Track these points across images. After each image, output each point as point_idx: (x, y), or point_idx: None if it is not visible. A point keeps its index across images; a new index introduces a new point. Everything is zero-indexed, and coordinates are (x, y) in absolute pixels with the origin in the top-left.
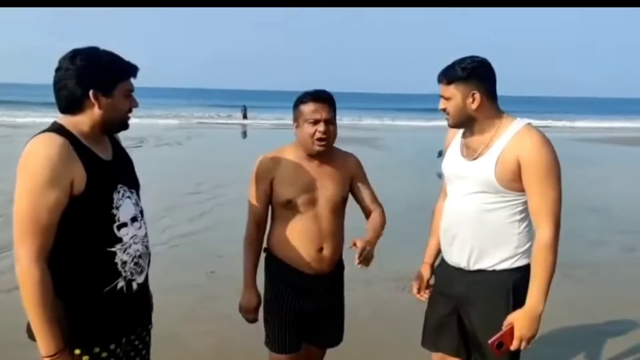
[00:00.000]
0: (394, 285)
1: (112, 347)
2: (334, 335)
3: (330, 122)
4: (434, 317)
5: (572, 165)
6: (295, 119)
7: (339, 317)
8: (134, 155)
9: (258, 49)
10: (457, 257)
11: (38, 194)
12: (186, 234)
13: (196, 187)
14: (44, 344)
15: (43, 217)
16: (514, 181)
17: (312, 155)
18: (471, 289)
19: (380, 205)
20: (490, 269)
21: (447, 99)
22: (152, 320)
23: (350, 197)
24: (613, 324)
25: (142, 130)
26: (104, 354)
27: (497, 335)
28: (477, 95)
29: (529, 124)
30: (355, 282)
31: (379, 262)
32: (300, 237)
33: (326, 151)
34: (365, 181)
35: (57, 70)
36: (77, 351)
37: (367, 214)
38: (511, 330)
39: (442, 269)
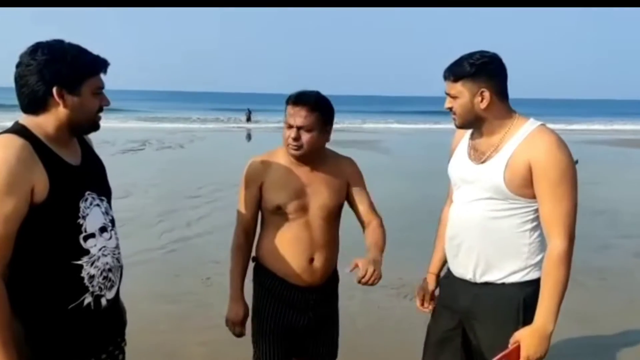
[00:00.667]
0: (394, 292)
1: None
2: (327, 351)
3: (307, 130)
4: (436, 331)
5: (577, 168)
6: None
7: (332, 332)
8: (135, 157)
9: (259, 50)
10: (463, 268)
11: None
12: (183, 238)
13: (196, 191)
14: None
15: (0, 228)
16: (525, 187)
17: (303, 160)
18: (477, 303)
19: (378, 216)
20: (499, 282)
21: (453, 97)
22: (125, 336)
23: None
24: (623, 333)
25: (145, 133)
26: None
27: (502, 353)
28: (487, 94)
29: (543, 125)
30: (354, 289)
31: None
32: (290, 247)
33: (308, 156)
34: (362, 188)
35: (18, 65)
36: None
37: (363, 224)
38: (518, 349)
39: (447, 281)
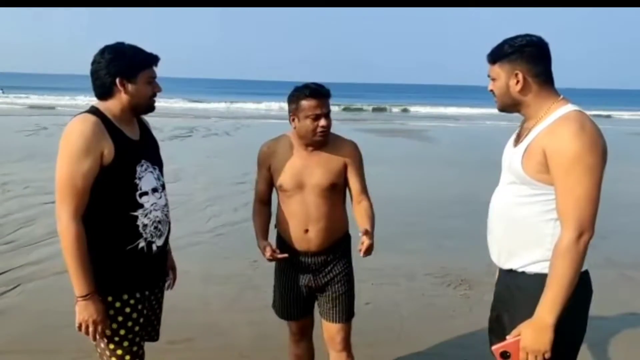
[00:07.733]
0: (439, 281)
1: (138, 295)
2: (337, 311)
3: (329, 115)
4: (489, 320)
5: (624, 160)
6: (294, 113)
7: (336, 293)
8: (183, 144)
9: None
10: (492, 252)
11: (75, 162)
12: (231, 222)
13: (242, 177)
14: (78, 287)
15: (79, 182)
16: (541, 172)
17: (308, 144)
18: (506, 292)
19: (368, 198)
20: (520, 270)
21: (493, 79)
22: (166, 280)
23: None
24: None
25: (192, 121)
26: (132, 301)
27: (504, 342)
28: (520, 76)
29: (577, 111)
30: (398, 276)
31: (423, 256)
32: (289, 218)
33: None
34: (357, 170)
35: (92, 64)
36: (110, 298)
37: (354, 202)
38: (519, 341)
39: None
